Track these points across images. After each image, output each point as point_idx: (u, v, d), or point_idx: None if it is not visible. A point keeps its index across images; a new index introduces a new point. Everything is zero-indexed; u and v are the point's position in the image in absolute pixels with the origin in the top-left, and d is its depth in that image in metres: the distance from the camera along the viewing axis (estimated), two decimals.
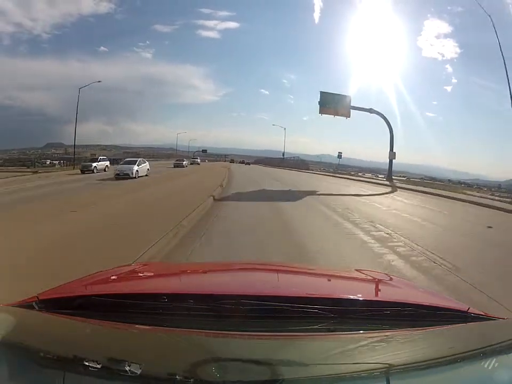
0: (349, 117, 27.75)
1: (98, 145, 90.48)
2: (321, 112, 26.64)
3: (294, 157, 55.51)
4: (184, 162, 35.90)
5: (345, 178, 30.45)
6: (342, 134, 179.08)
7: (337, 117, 27.36)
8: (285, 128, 62.02)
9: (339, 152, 40.06)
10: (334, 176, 32.41)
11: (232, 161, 71.62)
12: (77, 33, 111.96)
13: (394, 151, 28.73)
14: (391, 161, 29.06)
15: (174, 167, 33.45)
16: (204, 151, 77.04)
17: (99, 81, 36.48)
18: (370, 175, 37.56)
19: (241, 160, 74.48)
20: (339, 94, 28.07)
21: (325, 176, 33.42)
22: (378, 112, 29.53)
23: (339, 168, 45.12)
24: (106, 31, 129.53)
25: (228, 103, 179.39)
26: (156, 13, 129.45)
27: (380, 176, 34.92)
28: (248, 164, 64.79)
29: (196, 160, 48.56)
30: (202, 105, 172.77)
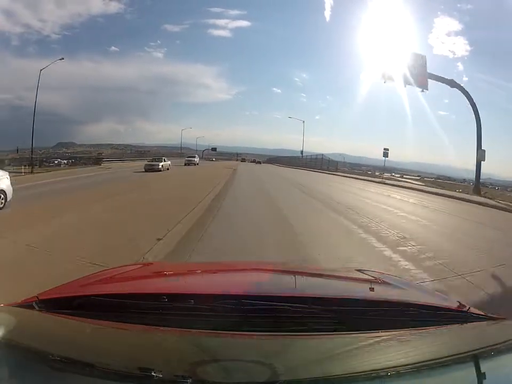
0: (427, 90, 17.95)
1: (110, 144, 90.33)
2: (385, 78, 17.36)
3: (316, 155, 43.01)
4: (161, 164, 24.32)
5: (405, 187, 19.56)
6: (348, 132, 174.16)
7: (408, 86, 17.54)
8: (303, 121, 53.13)
9: (385, 149, 28.04)
10: (385, 183, 21.79)
11: (243, 160, 66.18)
12: (86, 34, 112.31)
13: (483, 150, 17.86)
14: (479, 164, 18.07)
15: (146, 171, 22.54)
16: (214, 149, 72.15)
17: (61, 59, 32.09)
18: (388, 175, 34.80)
19: (253, 159, 67.17)
20: (411, 53, 17.84)
21: (370, 182, 22.46)
22: (461, 87, 19.11)
23: (353, 167, 41.43)
24: (116, 31, 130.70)
25: (240, 102, 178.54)
26: (167, 12, 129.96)
27: (396, 176, 31.78)
28: (259, 162, 58.20)
29: (193, 159, 35.87)
30: (215, 104, 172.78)
